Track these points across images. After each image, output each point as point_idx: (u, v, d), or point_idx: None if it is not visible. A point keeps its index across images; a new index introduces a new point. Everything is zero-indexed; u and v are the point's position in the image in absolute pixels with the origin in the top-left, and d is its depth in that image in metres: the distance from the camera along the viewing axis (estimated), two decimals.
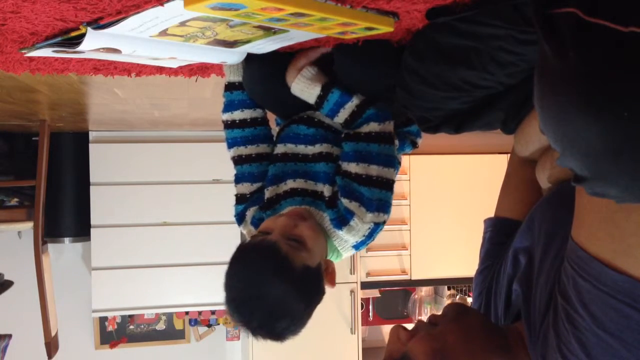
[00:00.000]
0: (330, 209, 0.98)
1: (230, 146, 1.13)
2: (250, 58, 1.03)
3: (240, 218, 1.11)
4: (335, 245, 0.99)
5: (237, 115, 1.11)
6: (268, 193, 1.05)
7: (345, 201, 0.97)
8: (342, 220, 0.96)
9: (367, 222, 0.96)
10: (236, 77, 1.11)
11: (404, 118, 1.11)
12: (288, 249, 0.88)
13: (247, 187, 1.10)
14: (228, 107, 1.12)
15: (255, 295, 0.87)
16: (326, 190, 1.00)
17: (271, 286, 0.86)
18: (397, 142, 1.07)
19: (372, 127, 0.99)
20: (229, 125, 1.13)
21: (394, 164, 1.01)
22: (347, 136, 1.01)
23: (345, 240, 0.98)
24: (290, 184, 1.04)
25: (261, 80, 1.07)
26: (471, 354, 0.72)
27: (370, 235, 0.99)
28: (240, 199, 1.11)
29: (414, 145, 1.16)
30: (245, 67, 1.07)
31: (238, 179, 1.11)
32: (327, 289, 0.97)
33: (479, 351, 0.73)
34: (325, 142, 1.04)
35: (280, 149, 1.08)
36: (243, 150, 1.11)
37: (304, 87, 1.01)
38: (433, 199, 3.55)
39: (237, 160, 1.12)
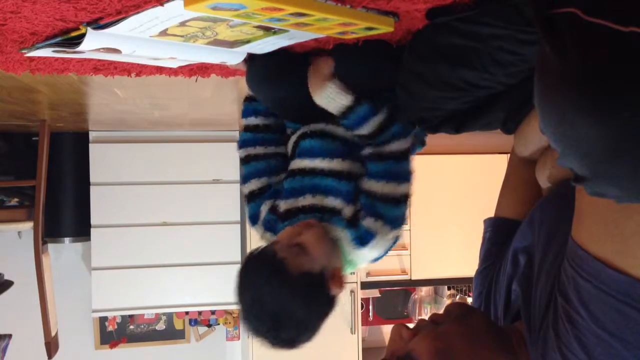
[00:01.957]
0: (351, 227, 0.99)
1: (239, 147, 1.16)
2: (252, 58, 1.03)
3: (255, 216, 1.12)
4: (352, 259, 1.00)
5: (251, 120, 1.16)
6: (286, 205, 1.05)
7: (369, 220, 0.97)
8: (364, 239, 0.97)
9: (389, 240, 0.98)
10: None
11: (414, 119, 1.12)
12: (286, 255, 0.90)
13: (254, 184, 1.12)
14: (243, 113, 1.17)
15: (257, 302, 0.89)
16: (348, 210, 1.00)
17: (268, 291, 0.88)
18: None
19: (399, 145, 1.00)
20: (245, 128, 1.17)
21: (411, 177, 1.03)
22: (372, 155, 1.01)
23: (365, 256, 1.00)
24: (308, 199, 1.04)
25: (263, 79, 1.08)
26: (475, 355, 0.72)
27: (388, 250, 1.02)
28: (250, 196, 1.13)
29: (423, 144, 1.17)
30: (248, 67, 1.07)
31: (246, 178, 1.13)
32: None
33: (483, 352, 0.73)
34: (342, 157, 1.04)
35: (297, 163, 1.08)
36: (251, 150, 1.14)
37: (335, 96, 1.00)
38: (433, 199, 3.54)
39: (244, 160, 1.14)
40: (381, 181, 0.98)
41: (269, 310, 0.88)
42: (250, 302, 0.90)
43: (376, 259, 1.03)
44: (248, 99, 1.17)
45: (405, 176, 1.00)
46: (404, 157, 1.00)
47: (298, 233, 0.95)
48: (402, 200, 0.99)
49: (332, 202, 1.02)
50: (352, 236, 0.98)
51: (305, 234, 0.94)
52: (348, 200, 1.00)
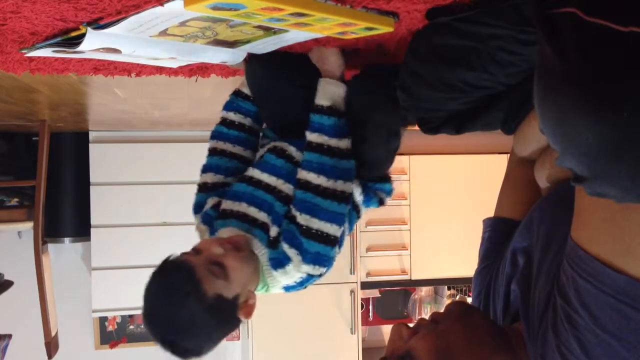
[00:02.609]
0: (272, 248, 0.99)
1: (211, 137, 1.19)
2: (253, 56, 1.03)
3: (198, 207, 1.13)
4: (267, 280, 1.00)
5: (230, 115, 1.17)
6: (225, 205, 1.07)
7: (285, 246, 0.97)
8: (279, 262, 0.98)
9: (302, 272, 0.98)
10: (246, 90, 1.16)
11: (381, 173, 1.11)
12: (205, 275, 0.90)
13: (210, 177, 1.14)
14: (226, 105, 1.18)
15: (162, 313, 0.90)
16: (273, 230, 1.01)
17: (178, 308, 0.88)
18: (360, 197, 1.07)
19: (321, 180, 0.98)
20: (220, 121, 1.18)
21: (341, 221, 0.98)
22: (299, 183, 1.00)
23: (277, 280, 1.00)
24: (244, 207, 1.05)
25: (264, 78, 1.09)
26: (475, 354, 0.72)
27: (302, 283, 1.01)
28: (202, 187, 1.14)
29: (381, 203, 1.15)
30: (247, 65, 1.08)
31: (204, 169, 1.16)
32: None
33: (483, 352, 0.73)
34: (287, 180, 1.04)
35: (250, 172, 1.09)
36: (220, 145, 1.16)
37: (333, 89, 1.01)
38: (433, 199, 3.54)
39: (211, 152, 1.17)
40: (297, 211, 0.98)
41: (170, 324, 0.89)
42: (154, 311, 0.91)
43: (288, 289, 1.03)
44: (235, 93, 1.18)
45: (322, 213, 0.96)
46: (325, 194, 0.97)
47: (223, 253, 0.94)
48: (318, 236, 0.96)
49: (263, 217, 1.03)
50: (269, 256, 0.99)
51: (231, 256, 0.94)
52: (276, 221, 1.01)
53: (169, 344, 0.91)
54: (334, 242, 0.98)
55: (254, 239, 1.01)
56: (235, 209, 1.05)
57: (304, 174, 1.00)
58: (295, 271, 0.97)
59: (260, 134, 1.20)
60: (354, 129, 1.02)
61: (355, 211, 1.09)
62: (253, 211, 1.04)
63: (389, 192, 1.15)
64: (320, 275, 1.00)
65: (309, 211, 0.96)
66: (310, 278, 1.00)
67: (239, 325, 0.98)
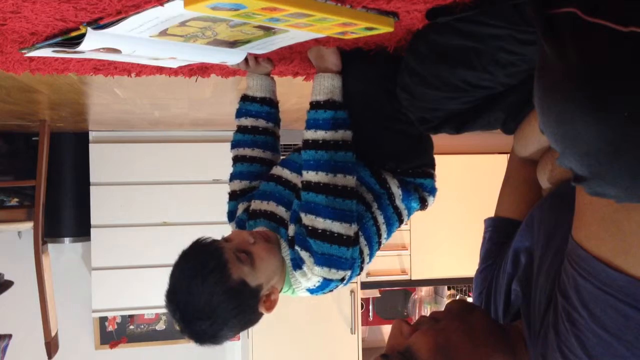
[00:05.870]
0: (291, 248, 0.99)
1: (231, 147, 1.20)
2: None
3: (231, 215, 1.16)
4: (291, 282, 1.00)
5: (242, 121, 1.18)
6: (254, 205, 1.08)
7: (297, 248, 0.97)
8: (297, 264, 0.98)
9: (316, 275, 0.95)
10: (252, 93, 1.17)
11: (418, 169, 1.09)
12: (232, 258, 0.91)
13: (236, 185, 1.16)
14: (237, 113, 1.20)
15: (185, 290, 0.90)
16: (290, 229, 1.00)
17: (202, 285, 0.88)
18: (399, 192, 1.04)
19: (320, 177, 0.97)
20: (237, 129, 1.20)
21: (348, 218, 0.95)
22: (302, 185, 1.00)
23: (299, 281, 0.99)
24: (272, 206, 1.06)
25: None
26: (475, 352, 0.72)
27: (323, 288, 0.99)
28: (231, 196, 1.17)
29: (423, 203, 1.10)
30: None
31: (231, 177, 1.18)
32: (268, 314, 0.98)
33: (483, 349, 0.73)
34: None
35: (277, 170, 1.10)
36: (240, 151, 1.18)
37: (328, 83, 1.00)
38: None
39: (234, 161, 1.18)
40: (302, 212, 0.97)
41: (191, 301, 0.89)
42: (178, 287, 0.91)
43: (312, 292, 1.01)
44: (244, 99, 1.18)
45: (325, 211, 0.94)
46: (325, 190, 0.95)
47: (252, 241, 0.95)
48: (325, 236, 0.93)
49: (287, 217, 1.03)
50: (291, 256, 0.99)
51: (258, 244, 0.95)
52: (293, 219, 1.01)
53: (186, 322, 0.90)
54: (347, 241, 0.94)
55: (281, 239, 1.01)
56: (264, 208, 1.06)
57: (304, 175, 1.00)
58: (311, 273, 0.96)
59: None
60: (355, 115, 1.01)
61: (396, 214, 1.06)
62: (281, 210, 1.04)
63: (432, 191, 1.11)
64: (342, 280, 0.97)
65: (312, 211, 0.96)
66: (328, 283, 0.97)
67: (259, 318, 0.97)
